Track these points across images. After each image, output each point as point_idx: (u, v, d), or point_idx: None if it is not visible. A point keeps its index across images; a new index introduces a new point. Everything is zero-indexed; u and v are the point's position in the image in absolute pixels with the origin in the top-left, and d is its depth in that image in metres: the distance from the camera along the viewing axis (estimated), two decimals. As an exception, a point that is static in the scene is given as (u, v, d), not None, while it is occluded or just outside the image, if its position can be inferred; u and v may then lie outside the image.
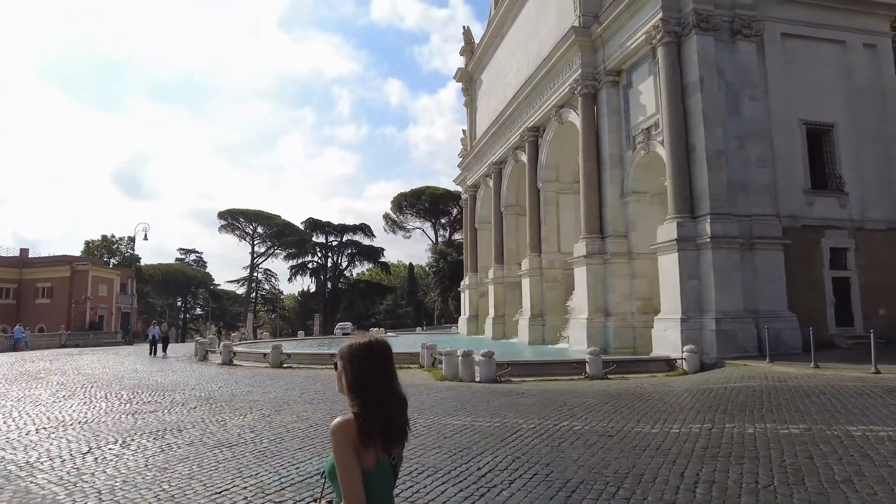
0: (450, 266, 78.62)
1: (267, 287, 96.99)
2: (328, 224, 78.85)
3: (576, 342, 21.90)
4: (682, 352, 16.14)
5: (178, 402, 11.01)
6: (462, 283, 43.66)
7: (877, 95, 20.28)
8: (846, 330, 18.53)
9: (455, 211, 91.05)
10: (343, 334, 49.13)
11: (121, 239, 74.30)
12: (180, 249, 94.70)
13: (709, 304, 17.02)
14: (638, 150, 20.82)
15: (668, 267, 17.91)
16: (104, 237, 74.49)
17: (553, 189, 27.87)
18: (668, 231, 17.93)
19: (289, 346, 23.85)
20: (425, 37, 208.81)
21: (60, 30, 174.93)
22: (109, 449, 7.04)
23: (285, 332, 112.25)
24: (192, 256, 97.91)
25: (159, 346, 27.32)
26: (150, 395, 12.40)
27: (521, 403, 10.66)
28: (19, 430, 8.44)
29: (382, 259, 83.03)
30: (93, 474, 5.94)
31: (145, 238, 42.07)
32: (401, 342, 32.38)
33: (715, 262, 16.97)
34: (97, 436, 7.83)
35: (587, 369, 15.34)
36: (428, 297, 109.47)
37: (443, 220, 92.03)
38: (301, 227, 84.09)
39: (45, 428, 8.55)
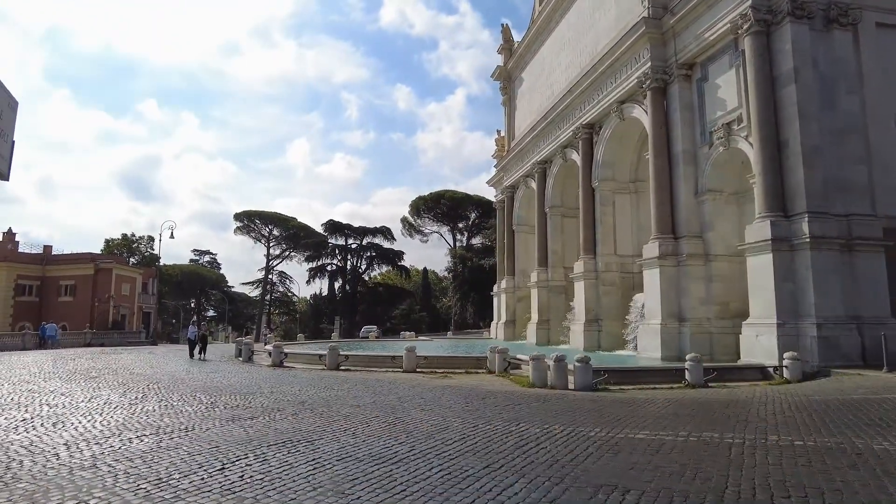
0: (470, 271, 77.54)
1: (281, 289, 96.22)
2: (348, 226, 78.08)
3: (646, 349, 20.75)
4: (783, 359, 14.96)
5: (271, 408, 9.94)
6: (496, 286, 42.58)
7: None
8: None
9: (473, 215, 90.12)
10: (372, 337, 48.13)
11: (141, 238, 73.68)
12: (194, 251, 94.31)
13: (807, 308, 15.86)
14: (716, 146, 19.72)
15: (761, 269, 16.76)
16: (124, 236, 73.94)
17: (609, 188, 26.80)
18: (759, 231, 16.80)
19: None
20: (434, 43, 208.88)
21: (69, 30, 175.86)
22: (249, 465, 5.97)
23: (296, 336, 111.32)
24: (206, 258, 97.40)
25: (198, 346, 26.08)
26: (229, 398, 11.34)
27: (662, 414, 9.51)
28: (119, 439, 7.39)
29: (401, 262, 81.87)
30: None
31: (171, 236, 41.29)
32: (442, 346, 31.35)
33: (813, 263, 15.84)
34: (216, 447, 6.75)
35: (687, 377, 14.21)
36: (441, 302, 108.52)
37: (460, 225, 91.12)
38: (319, 229, 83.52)
39: (145, 435, 7.50)
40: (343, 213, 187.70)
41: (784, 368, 14.84)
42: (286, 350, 21.38)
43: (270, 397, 11.43)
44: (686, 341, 19.83)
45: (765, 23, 17.43)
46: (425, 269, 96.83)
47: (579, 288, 26.93)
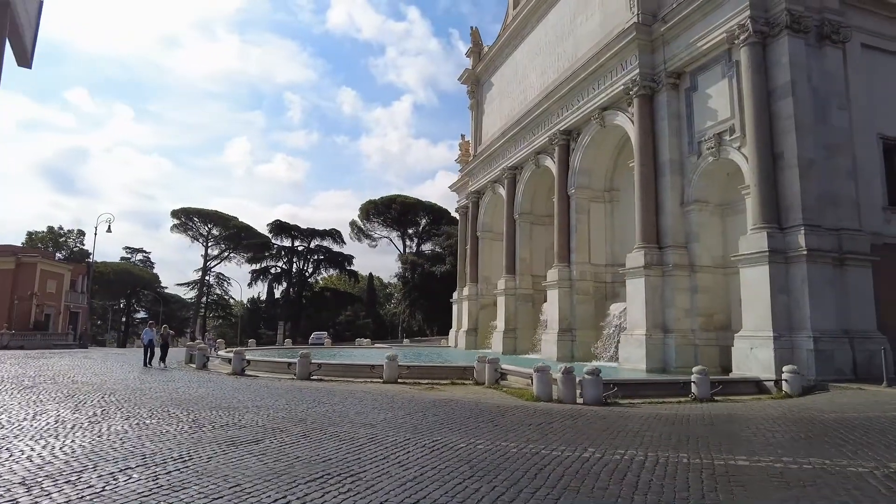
0: (420, 278, 76.31)
1: (219, 292, 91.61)
2: (295, 228, 75.00)
3: (629, 360, 20.24)
4: (782, 373, 14.70)
5: (272, 428, 8.40)
6: (455, 294, 41.57)
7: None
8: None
9: (424, 221, 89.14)
10: (318, 344, 45.93)
11: (69, 232, 67.68)
12: (126, 248, 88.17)
13: (801, 321, 15.71)
14: (705, 156, 19.55)
15: (755, 280, 16.53)
16: (51, 228, 67.63)
17: (585, 196, 26.40)
18: (755, 242, 16.59)
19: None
20: (381, 49, 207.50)
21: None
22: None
23: (234, 341, 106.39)
24: (139, 256, 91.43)
25: (157, 351, 22.67)
26: (211, 414, 9.66)
27: (700, 433, 8.68)
28: (97, 474, 5.75)
29: (351, 267, 79.56)
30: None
31: (109, 230, 37.79)
32: (408, 355, 29.98)
33: (809, 276, 15.72)
34: (239, 488, 5.27)
35: (694, 391, 13.64)
36: (385, 308, 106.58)
37: (410, 231, 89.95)
38: (262, 230, 79.98)
39: (131, 469, 5.89)
40: (282, 215, 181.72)
41: (784, 382, 14.58)
42: (248, 357, 19.42)
43: (260, 413, 9.82)
44: (671, 353, 19.48)
45: (762, 34, 17.38)
46: (371, 274, 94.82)
47: (552, 297, 26.31)
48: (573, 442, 7.80)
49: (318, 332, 51.99)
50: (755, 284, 16.57)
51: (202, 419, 9.06)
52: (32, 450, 6.70)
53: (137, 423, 8.55)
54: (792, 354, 15.51)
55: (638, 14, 21.58)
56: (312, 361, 17.66)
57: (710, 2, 18.83)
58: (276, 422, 8.98)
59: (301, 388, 14.84)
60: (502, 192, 34.33)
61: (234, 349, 20.47)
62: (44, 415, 9.26)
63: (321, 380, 17.15)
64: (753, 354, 16.23)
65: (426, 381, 16.90)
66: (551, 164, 28.55)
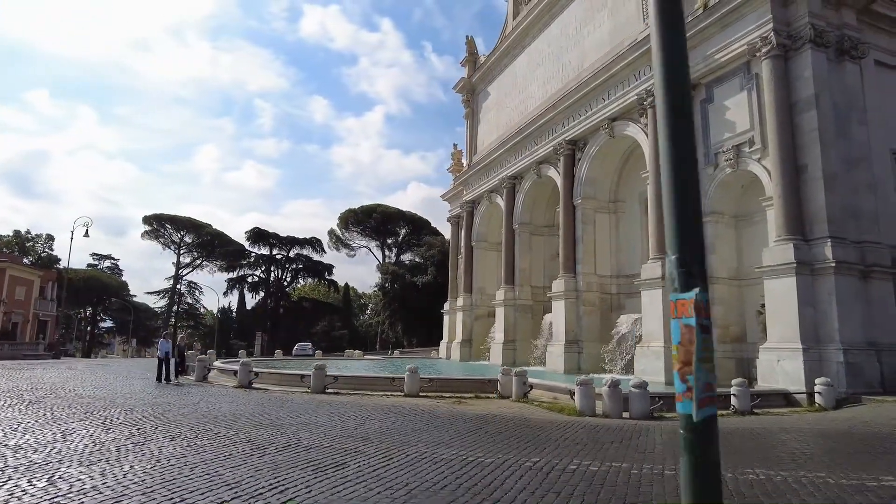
0: (402, 288, 75.38)
1: (190, 301, 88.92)
2: (274, 236, 73.18)
3: (646, 372, 19.91)
4: (815, 385, 14.57)
5: (342, 449, 7.65)
6: (447, 304, 40.93)
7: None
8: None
9: (404, 231, 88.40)
10: (304, 355, 44.61)
11: (37, 236, 64.47)
12: (94, 255, 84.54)
13: (829, 334, 15.66)
14: (722, 167, 19.54)
15: (781, 292, 16.43)
16: (17, 232, 64.32)
17: (591, 207, 26.22)
18: (781, 253, 16.52)
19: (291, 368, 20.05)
20: (354, 59, 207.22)
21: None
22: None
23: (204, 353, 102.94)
24: (107, 263, 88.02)
25: (174, 365, 20.36)
26: (262, 433, 8.82)
27: (806, 451, 8.30)
28: None
29: (330, 276, 78.08)
30: None
31: (86, 235, 35.95)
32: (404, 367, 29.24)
33: (837, 288, 15.71)
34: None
35: (734, 403, 13.36)
36: (360, 319, 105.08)
37: (389, 241, 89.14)
38: (234, 237, 77.98)
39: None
40: (252, 224, 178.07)
41: (817, 395, 14.43)
42: (255, 370, 18.41)
43: (312, 431, 9.04)
44: (690, 365, 19.22)
45: (784, 48, 17.49)
46: (346, 284, 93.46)
47: (559, 308, 25.96)
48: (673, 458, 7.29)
49: (303, 343, 50.55)
50: (781, 296, 16.48)
51: (257, 439, 8.24)
52: (91, 478, 5.85)
53: (189, 445, 7.69)
54: (821, 367, 15.41)
55: (652, 25, 21.55)
56: (328, 374, 16.81)
57: (731, 14, 18.91)
58: (338, 441, 8.23)
59: (323, 401, 14.01)
60: (499, 201, 33.99)
61: (241, 361, 19.37)
62: (74, 434, 8.30)
63: (337, 393, 16.32)
64: (780, 366, 16.08)
65: (449, 395, 16.25)
66: (555, 174, 28.34)
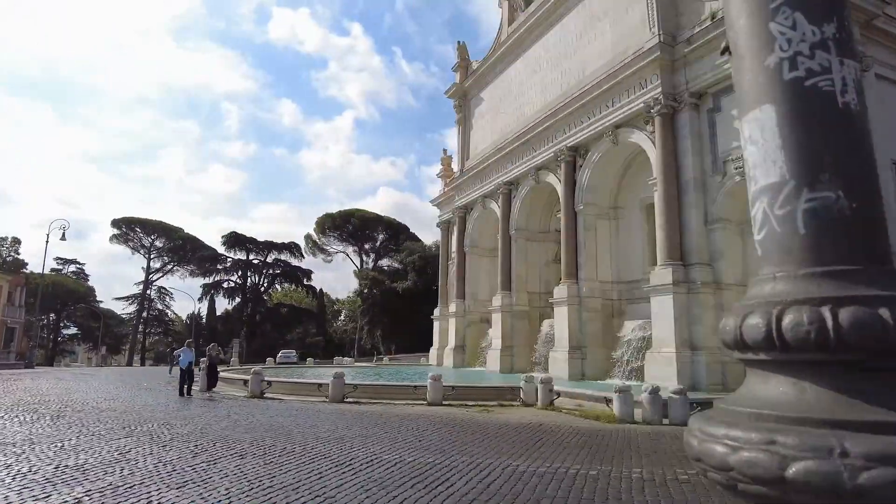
0: (382, 294, 74.70)
1: (160, 307, 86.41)
2: (252, 240, 71.66)
3: (657, 378, 19.97)
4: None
5: (433, 464, 7.36)
6: (437, 310, 40.68)
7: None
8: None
9: (382, 237, 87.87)
10: (289, 363, 43.71)
11: (2, 239, 61.43)
12: (58, 259, 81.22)
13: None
14: (731, 175, 19.90)
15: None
16: (-20, 236, 61.25)
17: (592, 213, 26.38)
18: (796, 260, 16.86)
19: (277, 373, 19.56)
20: (323, 63, 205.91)
21: None
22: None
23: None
24: (72, 268, 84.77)
25: (204, 377, 18.86)
26: (329, 447, 8.45)
27: None
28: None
29: (309, 282, 76.82)
30: None
31: (63, 238, 34.42)
32: (409, 375, 28.97)
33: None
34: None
35: (765, 410, 13.49)
36: (334, 326, 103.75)
37: (367, 246, 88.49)
38: (206, 241, 76.05)
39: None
40: (218, 228, 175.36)
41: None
42: (268, 378, 17.80)
43: (386, 444, 8.67)
44: (701, 370, 19.48)
45: (794, 59, 17.92)
46: (321, 290, 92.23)
47: (561, 314, 25.97)
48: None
49: (287, 351, 49.52)
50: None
51: (330, 453, 7.85)
52: (195, 502, 5.41)
53: (267, 462, 7.25)
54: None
55: (659, 34, 21.90)
56: (347, 382, 16.37)
57: (740, 26, 19.29)
58: (414, 453, 7.90)
59: (350, 412, 13.61)
60: (494, 206, 33.96)
61: (252, 370, 18.69)
62: (130, 453, 7.75)
63: (358, 402, 15.90)
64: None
65: (472, 403, 16.01)
66: (554, 180, 28.45)
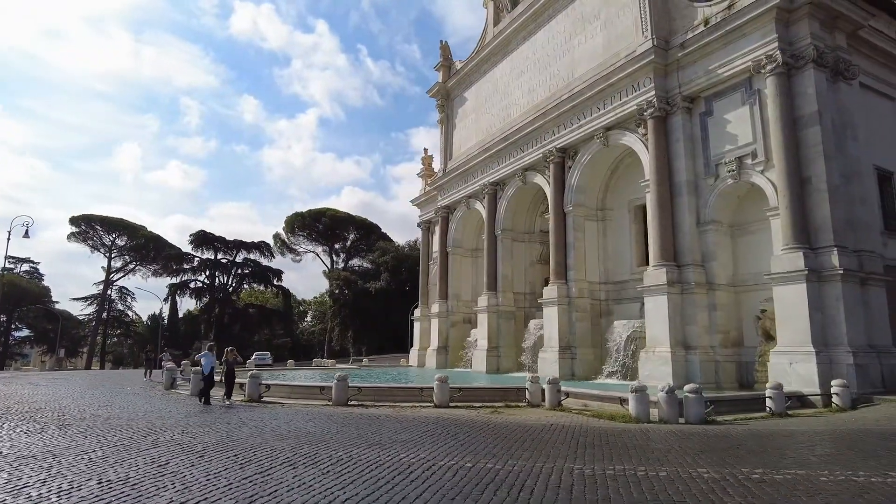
0: (354, 295, 73.82)
1: (121, 307, 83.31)
2: (220, 239, 69.69)
3: (652, 377, 20.17)
4: (830, 386, 15.36)
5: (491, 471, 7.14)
6: (418, 311, 40.41)
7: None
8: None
9: (352, 237, 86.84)
10: (264, 365, 42.62)
11: (-48, 237, 57.82)
12: (10, 258, 77.10)
13: (837, 337, 16.56)
14: (724, 178, 20.32)
15: (792, 298, 17.22)
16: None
17: (581, 214, 26.60)
18: (790, 261, 17.32)
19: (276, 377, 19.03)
20: (287, 60, 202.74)
21: None
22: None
23: (130, 363, 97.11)
24: (25, 266, 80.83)
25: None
26: (365, 451, 8.14)
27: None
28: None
29: (280, 282, 75.18)
30: None
31: (26, 235, 32.63)
32: (395, 377, 28.63)
33: (844, 294, 16.67)
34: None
35: (771, 405, 13.83)
36: (299, 327, 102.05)
37: (337, 246, 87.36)
38: (170, 240, 73.71)
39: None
40: (175, 226, 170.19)
41: (835, 396, 15.19)
42: (266, 382, 17.20)
43: (423, 450, 8.41)
44: (695, 369, 19.83)
45: (787, 66, 18.43)
46: (287, 290, 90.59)
47: (551, 314, 26.08)
48: (807, 464, 7.31)
49: (261, 353, 48.28)
50: (791, 302, 17.26)
51: (378, 460, 7.56)
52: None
53: (322, 472, 6.90)
54: (831, 369, 16.26)
55: (653, 38, 22.20)
56: (350, 385, 15.98)
57: (734, 32, 19.72)
58: (466, 457, 7.69)
59: (362, 415, 13.28)
60: (479, 207, 33.92)
61: (249, 373, 18.04)
62: (172, 464, 7.26)
63: (362, 405, 15.55)
64: (793, 369, 16.81)
65: (479, 405, 15.87)
66: (542, 180, 28.58)
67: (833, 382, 15.36)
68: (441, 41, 39.28)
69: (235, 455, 7.83)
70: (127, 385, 20.56)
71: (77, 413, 12.57)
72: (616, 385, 21.07)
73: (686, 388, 12.84)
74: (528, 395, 16.23)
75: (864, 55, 20.66)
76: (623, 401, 13.44)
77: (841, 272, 16.60)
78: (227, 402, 15.83)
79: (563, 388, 15.84)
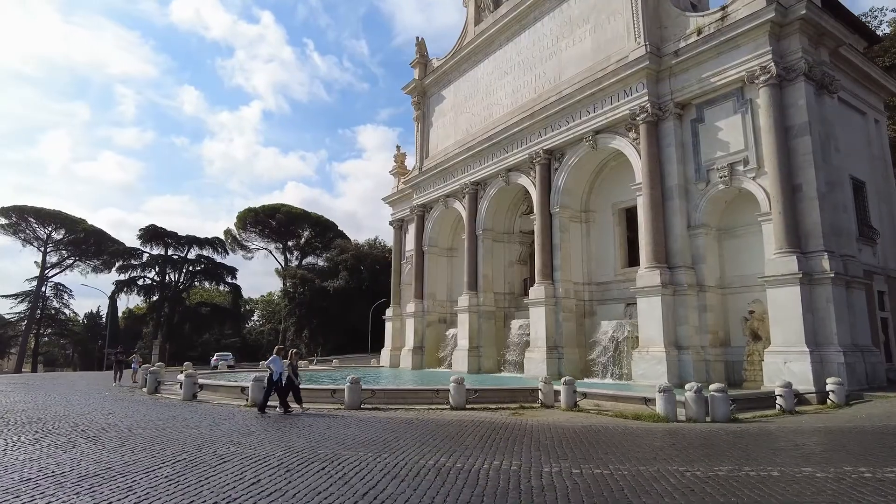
0: (311, 294, 72.12)
1: (57, 305, 78.19)
2: (172, 235, 66.40)
3: (646, 376, 20.72)
4: (825, 384, 16.12)
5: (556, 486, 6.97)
6: (390, 311, 39.80)
7: (883, 162, 23.74)
8: (891, 365, 20.71)
9: (307, 234, 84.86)
10: (227, 367, 40.94)
11: None
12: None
13: (828, 337, 17.45)
14: (715, 183, 21.01)
15: (787, 300, 17.99)
16: None
17: (567, 215, 26.91)
18: (784, 265, 18.09)
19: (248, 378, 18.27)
20: (230, 50, 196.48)
21: None
22: None
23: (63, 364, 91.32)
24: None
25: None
26: (442, 458, 7.81)
27: None
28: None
29: (234, 280, 72.40)
30: None
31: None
32: (378, 377, 28.08)
33: (834, 296, 17.56)
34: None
35: (781, 403, 14.37)
36: (247, 327, 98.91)
37: (290, 244, 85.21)
38: (115, 235, 69.73)
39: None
40: (108, 220, 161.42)
41: (831, 393, 15.95)
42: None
43: (476, 455, 8.14)
44: (688, 368, 20.41)
45: (779, 77, 19.25)
46: (237, 288, 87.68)
47: (537, 314, 26.25)
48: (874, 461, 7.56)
49: (222, 353, 46.18)
50: (785, 303, 18.03)
51: (458, 467, 7.24)
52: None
53: (407, 483, 6.53)
54: (822, 368, 17.10)
55: (646, 45, 22.69)
56: (365, 388, 15.45)
57: (727, 43, 20.42)
58: (531, 464, 7.49)
59: (382, 419, 12.87)
60: (457, 206, 33.77)
61: (254, 375, 17.09)
62: (265, 481, 6.68)
63: (377, 408, 15.05)
64: (788, 368, 17.56)
65: (494, 406, 15.70)
66: (526, 181, 28.74)
67: (829, 380, 16.10)
68: (417, 38, 38.84)
69: (332, 467, 7.28)
70: (101, 390, 19.06)
71: (88, 422, 11.47)
72: (610, 385, 21.41)
73: (711, 387, 13.13)
74: (541, 396, 16.19)
75: (842, 71, 21.87)
76: (648, 400, 13.61)
77: (832, 275, 17.48)
78: (301, 409, 14.44)
79: (579, 389, 15.87)
